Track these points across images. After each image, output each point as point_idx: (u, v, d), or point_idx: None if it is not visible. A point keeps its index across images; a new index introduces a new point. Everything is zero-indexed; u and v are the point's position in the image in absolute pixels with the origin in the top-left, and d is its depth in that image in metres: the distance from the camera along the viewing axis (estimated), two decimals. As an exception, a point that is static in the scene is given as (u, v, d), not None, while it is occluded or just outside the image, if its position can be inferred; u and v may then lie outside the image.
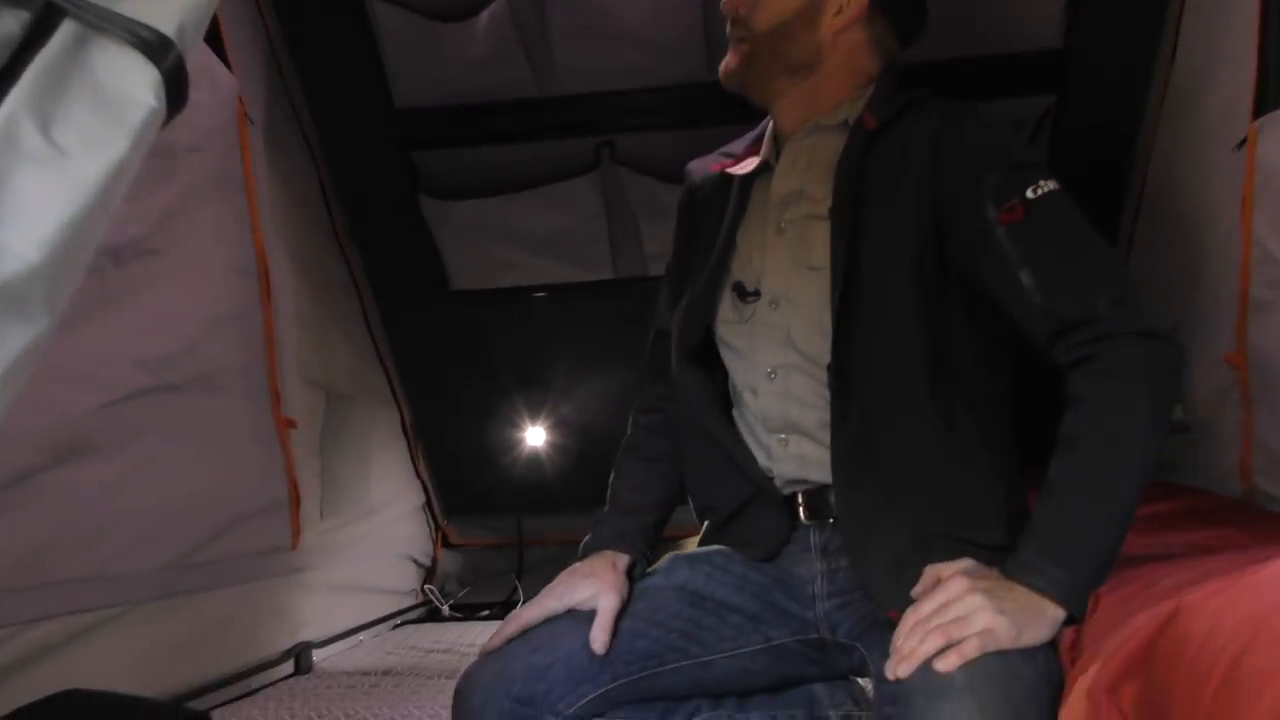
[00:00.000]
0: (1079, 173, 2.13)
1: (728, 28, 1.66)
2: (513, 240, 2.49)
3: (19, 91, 0.73)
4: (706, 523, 1.70)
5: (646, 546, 1.60)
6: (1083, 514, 1.27)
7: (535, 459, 2.99)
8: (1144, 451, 1.27)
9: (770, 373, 1.56)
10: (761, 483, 1.56)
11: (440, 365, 2.79)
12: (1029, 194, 1.38)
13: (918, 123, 1.51)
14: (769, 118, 1.75)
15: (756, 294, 1.58)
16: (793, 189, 1.61)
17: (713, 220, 1.68)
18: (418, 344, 2.72)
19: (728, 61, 1.65)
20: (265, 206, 2.01)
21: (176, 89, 0.81)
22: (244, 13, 2.03)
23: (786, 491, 1.57)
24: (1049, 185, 1.40)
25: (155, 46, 0.79)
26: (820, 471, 1.50)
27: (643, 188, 2.38)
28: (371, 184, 2.44)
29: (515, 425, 2.95)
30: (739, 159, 1.74)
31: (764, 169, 1.66)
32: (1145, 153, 2.18)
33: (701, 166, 1.80)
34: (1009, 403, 1.49)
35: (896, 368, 1.46)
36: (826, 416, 1.47)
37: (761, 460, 1.57)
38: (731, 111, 2.20)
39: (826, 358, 1.46)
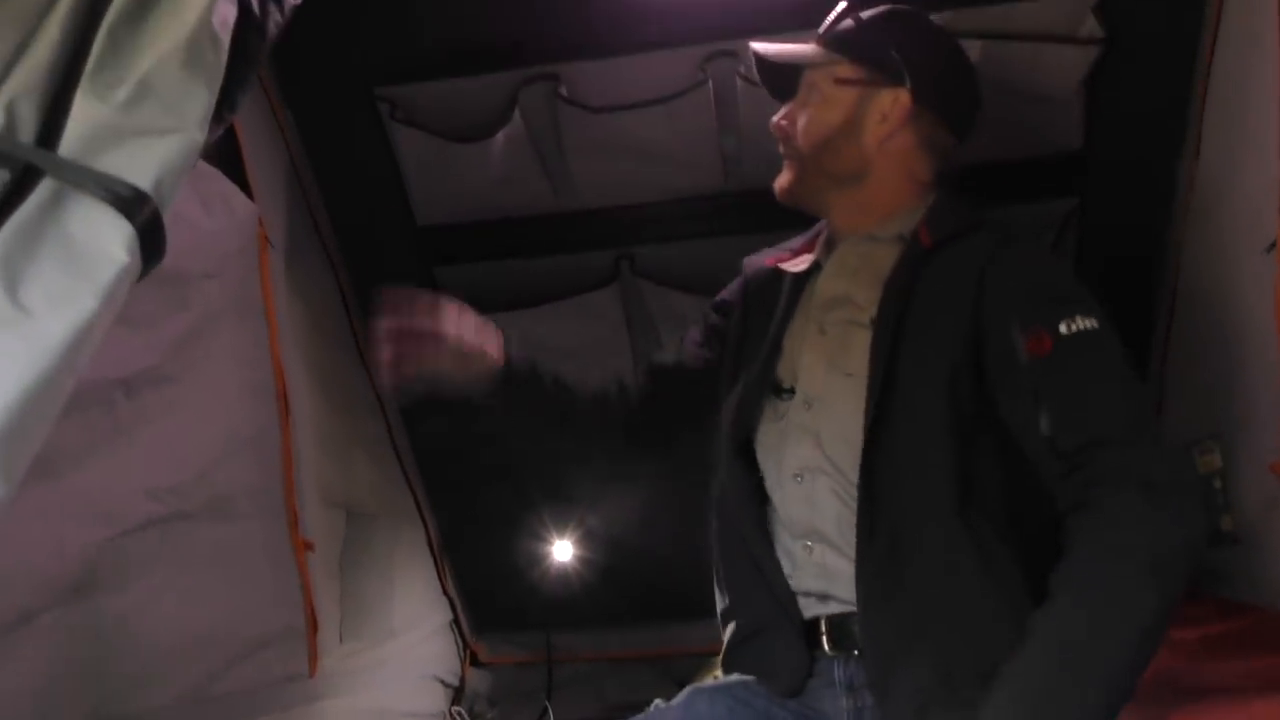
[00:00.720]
0: (1108, 274, 2.10)
1: (779, 146, 1.69)
2: (534, 353, 2.47)
3: (-13, 253, 0.72)
4: (727, 637, 1.64)
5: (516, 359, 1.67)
6: (1054, 674, 1.18)
7: (564, 573, 2.93)
8: (1135, 611, 1.18)
9: (797, 475, 1.55)
10: (785, 600, 1.52)
11: (467, 480, 2.76)
12: (1061, 328, 1.34)
13: (973, 247, 1.52)
14: (821, 221, 1.77)
15: (791, 392, 1.59)
16: (839, 292, 1.62)
17: (765, 316, 1.71)
18: (443, 460, 2.70)
19: (780, 180, 1.69)
20: (285, 327, 2.02)
21: (152, 242, 0.80)
22: (265, 137, 2.08)
23: (809, 614, 1.51)
24: (1086, 323, 1.34)
25: (130, 202, 0.79)
26: (843, 586, 1.47)
27: (663, 299, 2.37)
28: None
29: (543, 539, 2.89)
30: (795, 254, 1.77)
31: (815, 268, 1.69)
32: (1175, 252, 2.13)
33: (757, 261, 1.84)
34: (1044, 529, 1.39)
35: (927, 486, 1.42)
36: (851, 528, 1.45)
37: (786, 569, 1.54)
38: (749, 221, 2.22)
39: (855, 468, 1.45)
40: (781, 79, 1.74)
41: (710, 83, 2.06)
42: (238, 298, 1.84)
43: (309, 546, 2.07)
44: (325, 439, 2.20)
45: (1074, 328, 1.35)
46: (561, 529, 2.89)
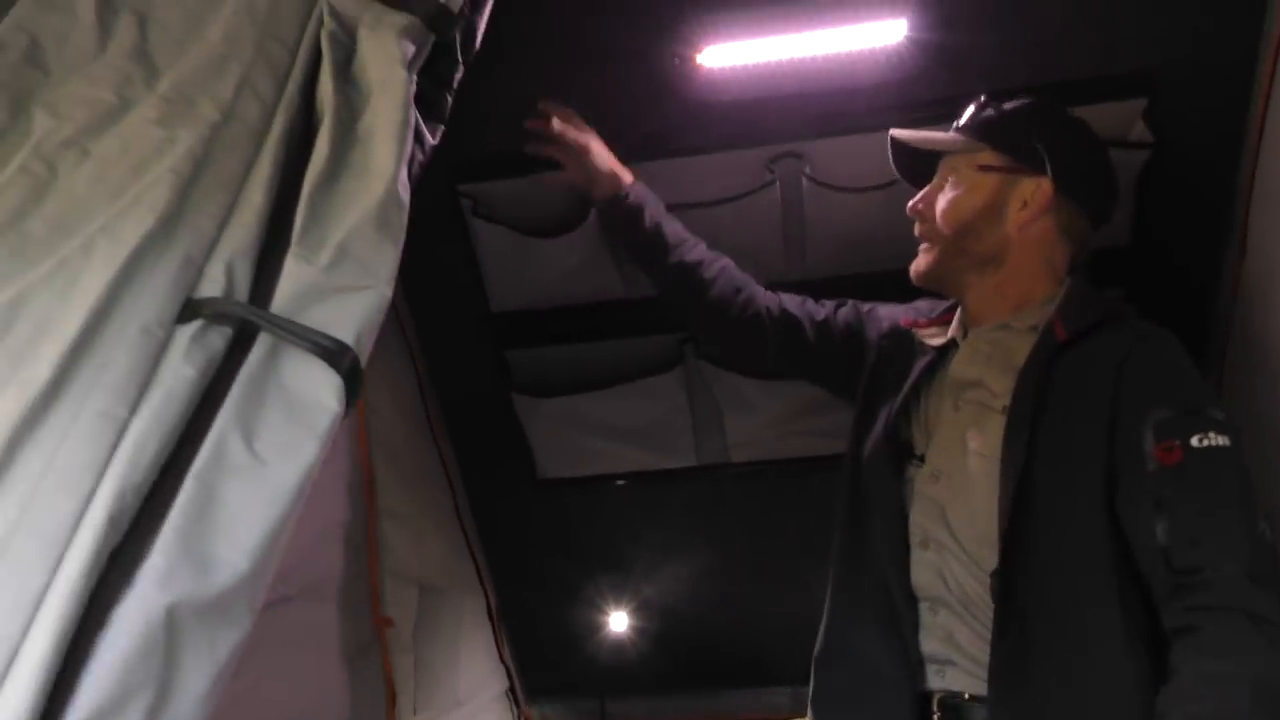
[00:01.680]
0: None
1: (915, 228, 1.76)
2: (599, 432, 2.56)
3: (228, 409, 0.82)
4: (818, 683, 1.67)
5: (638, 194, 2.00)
6: None
7: (618, 642, 2.99)
8: None
9: (923, 544, 1.59)
10: (903, 660, 1.53)
11: (526, 551, 2.84)
12: (1194, 441, 1.35)
13: (1108, 342, 1.55)
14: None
15: (921, 460, 1.65)
16: (972, 378, 1.66)
17: (895, 376, 1.78)
18: (505, 531, 2.78)
19: (918, 262, 1.75)
20: (372, 413, 2.11)
21: (354, 389, 0.90)
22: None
23: (927, 684, 1.52)
24: (1219, 439, 1.36)
25: (336, 354, 0.89)
26: (966, 657, 1.49)
27: (725, 382, 2.45)
28: (466, 381, 2.56)
29: (598, 608, 2.96)
30: (931, 323, 1.82)
31: (951, 344, 1.75)
32: (1221, 352, 2.20)
33: (892, 315, 1.93)
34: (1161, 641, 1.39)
35: (1073, 583, 1.40)
36: (978, 604, 1.48)
37: (906, 631, 1.54)
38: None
39: (983, 548, 1.47)
40: (914, 166, 1.84)
41: (778, 182, 2.17)
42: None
43: (389, 623, 2.15)
44: (401, 518, 2.28)
45: (1206, 443, 1.36)
46: (617, 598, 2.96)
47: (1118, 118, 2.06)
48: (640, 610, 2.95)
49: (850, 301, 2.02)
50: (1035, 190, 1.70)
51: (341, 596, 1.95)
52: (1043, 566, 1.42)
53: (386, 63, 1.05)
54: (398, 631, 2.18)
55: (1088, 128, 1.85)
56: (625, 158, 2.19)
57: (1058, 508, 1.44)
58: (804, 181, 2.16)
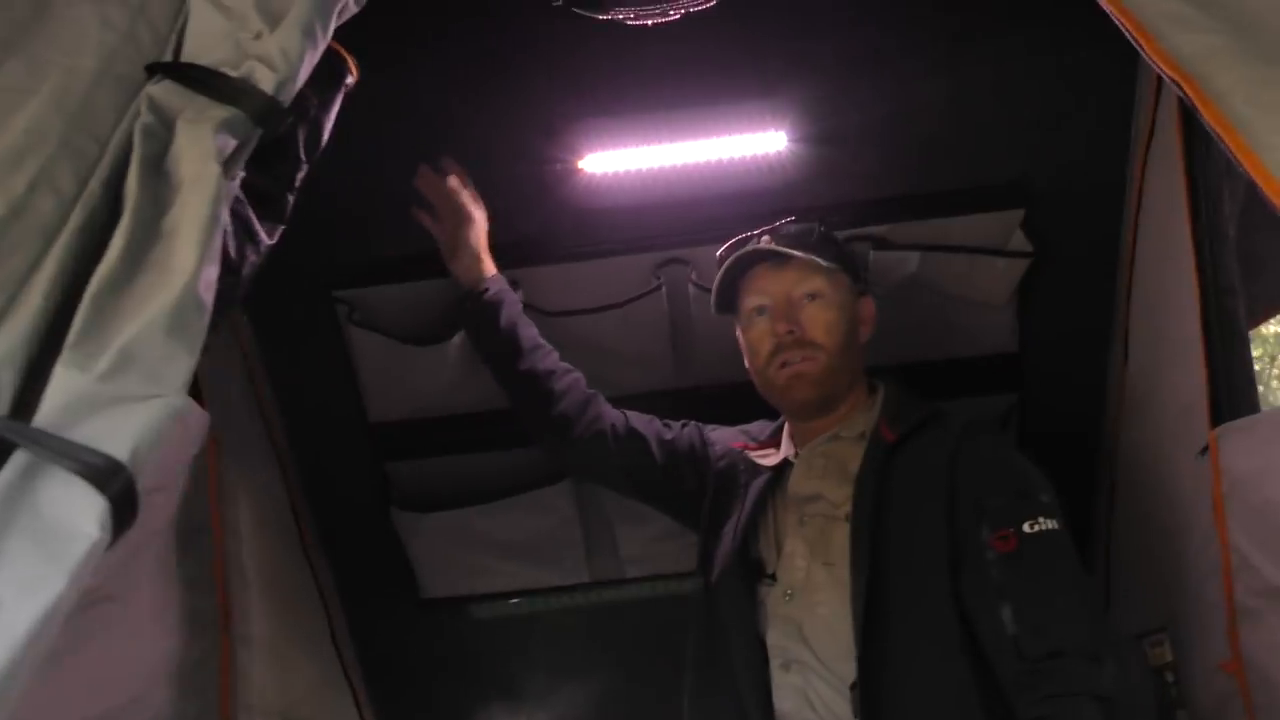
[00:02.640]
0: (1050, 466, 2.16)
1: (782, 356, 1.76)
2: (485, 548, 2.45)
3: (-42, 542, 0.71)
4: None
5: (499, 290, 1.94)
6: None
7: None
8: None
9: (783, 665, 1.58)
10: None
11: (409, 677, 2.66)
12: (1026, 527, 1.43)
13: (937, 440, 1.63)
14: (783, 418, 1.87)
15: (773, 578, 1.66)
16: (811, 492, 1.71)
17: (733, 498, 1.81)
18: (386, 656, 2.61)
19: (804, 384, 1.74)
20: (231, 533, 1.97)
21: (124, 512, 0.79)
22: (220, 340, 2.07)
23: None
24: (1049, 524, 1.44)
25: (104, 473, 0.78)
26: None
27: (616, 494, 2.37)
28: (342, 496, 2.42)
29: (490, 739, 2.78)
30: (761, 446, 1.84)
31: (785, 464, 1.78)
32: (1111, 451, 2.21)
33: (724, 438, 1.96)
34: None
35: (930, 683, 1.44)
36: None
37: None
38: (699, 415, 2.26)
39: (842, 661, 1.49)
40: (728, 294, 1.86)
41: (664, 288, 2.13)
42: (185, 511, 1.79)
43: (242, 766, 1.96)
44: (265, 644, 2.11)
45: (1037, 528, 1.45)
46: (510, 727, 2.79)
47: (997, 227, 2.10)
48: (536, 741, 2.79)
49: (693, 423, 2.02)
50: (866, 308, 1.85)
51: (185, 736, 1.77)
52: (901, 671, 1.49)
53: (200, 158, 0.97)
54: (253, 774, 1.99)
55: None
56: (511, 263, 2.15)
57: (909, 607, 1.51)
58: (690, 288, 2.13)
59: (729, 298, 1.86)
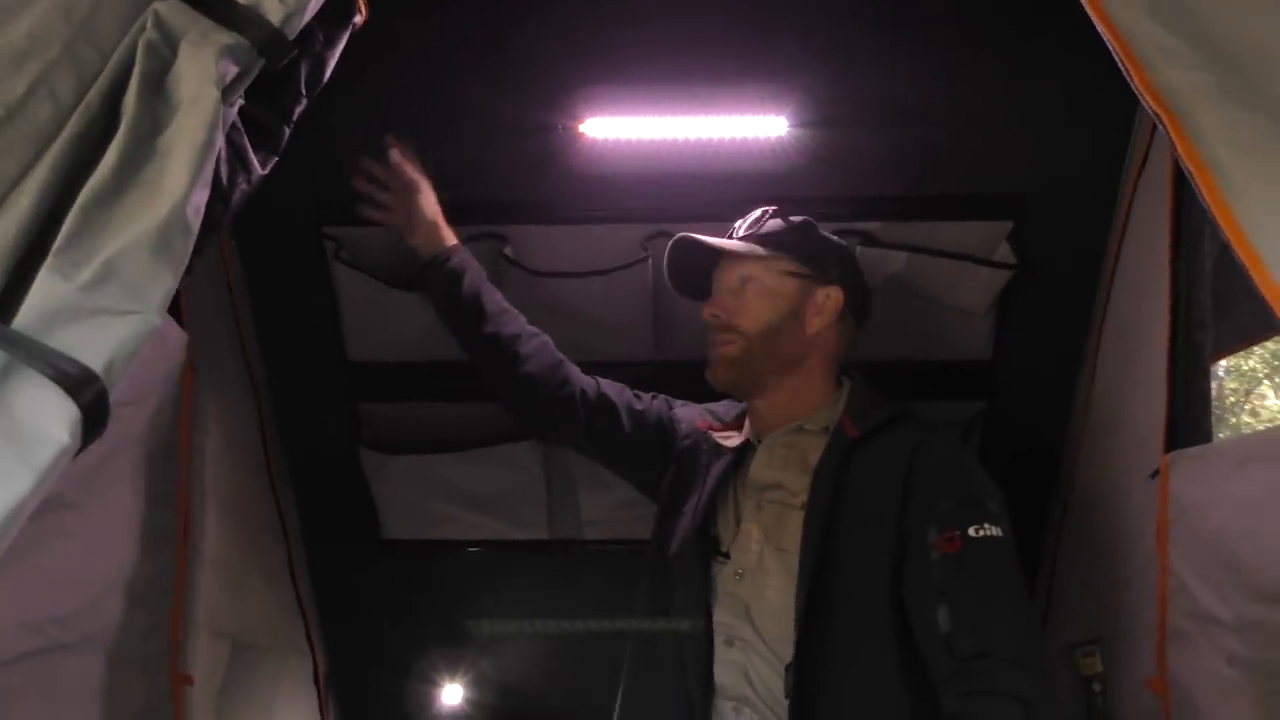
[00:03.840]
0: (1008, 476, 2.20)
1: (708, 338, 1.79)
2: (449, 496, 2.48)
3: (-72, 427, 0.73)
4: None
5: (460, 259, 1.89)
6: None
7: (452, 717, 2.86)
8: None
9: (727, 640, 1.63)
10: None
11: (363, 615, 2.70)
12: (971, 531, 1.48)
13: (899, 440, 1.67)
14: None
15: (726, 556, 1.71)
16: (771, 480, 1.75)
17: (695, 476, 1.84)
18: (342, 593, 2.64)
19: (719, 366, 1.78)
20: (198, 455, 1.99)
21: (95, 422, 0.81)
22: (204, 263, 2.08)
23: None
24: (993, 530, 1.49)
25: (78, 382, 0.80)
26: None
27: (583, 456, 2.40)
28: (314, 431, 2.45)
29: (433, 682, 2.82)
30: (725, 427, 1.87)
31: (747, 447, 1.81)
32: (1070, 466, 2.26)
33: (689, 416, 1.99)
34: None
35: (863, 670, 1.49)
36: (779, 699, 1.54)
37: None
38: (676, 389, 2.28)
39: (785, 642, 1.53)
40: (689, 277, 1.88)
41: (650, 260, 2.15)
42: (154, 427, 1.81)
43: (188, 680, 1.99)
44: (223, 566, 2.13)
45: (982, 532, 1.49)
46: (454, 672, 2.83)
47: (984, 237, 2.12)
48: (477, 684, 2.84)
49: (662, 397, 2.04)
50: (827, 298, 1.82)
51: (132, 649, 1.79)
52: (835, 658, 1.54)
53: (200, 80, 0.98)
54: (198, 690, 2.01)
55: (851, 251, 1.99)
56: (502, 219, 2.16)
57: (852, 598, 1.56)
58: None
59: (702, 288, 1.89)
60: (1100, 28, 1.07)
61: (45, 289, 0.83)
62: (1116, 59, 1.05)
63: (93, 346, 0.82)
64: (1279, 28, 1.00)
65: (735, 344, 1.76)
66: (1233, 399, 8.51)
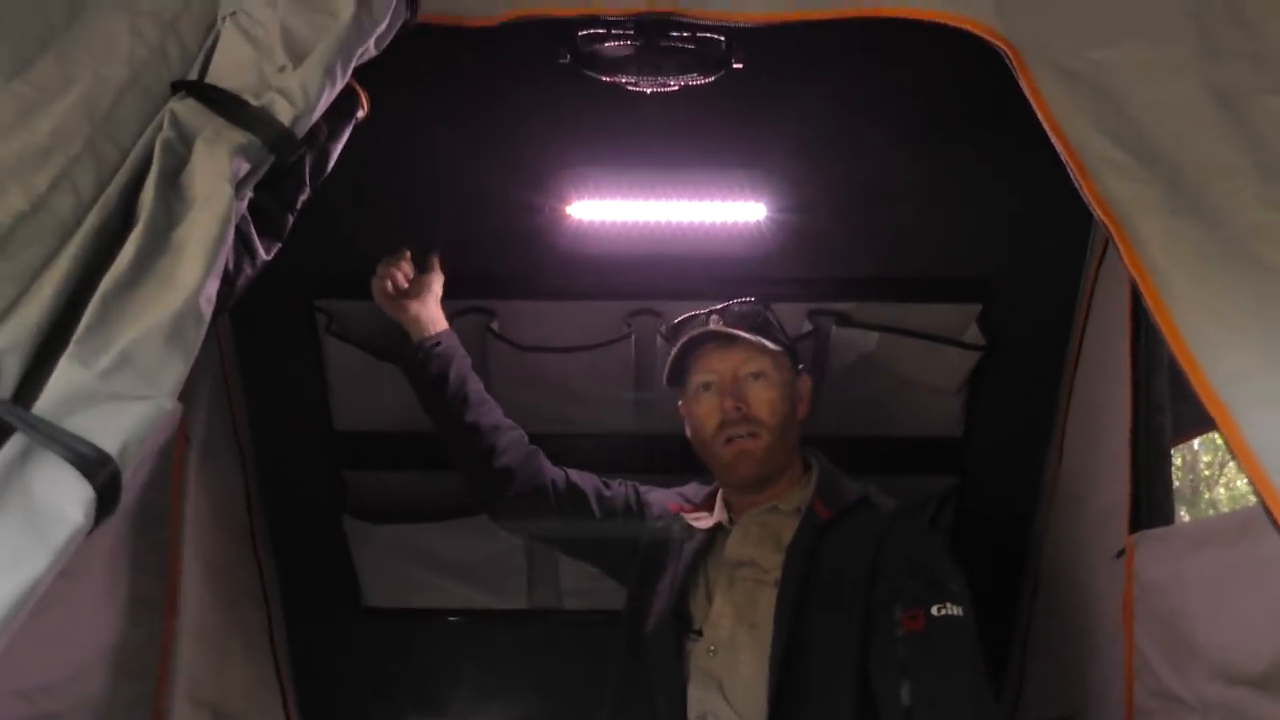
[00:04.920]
0: (981, 550, 2.26)
1: (728, 431, 1.85)
2: (431, 564, 2.50)
3: (-47, 512, 0.77)
4: None
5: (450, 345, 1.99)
6: None
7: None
8: None
9: (700, 716, 1.70)
10: None
11: (341, 682, 2.69)
12: (934, 610, 1.54)
13: (866, 522, 1.74)
14: (717, 483, 1.95)
15: (699, 634, 1.76)
16: (745, 558, 1.81)
17: (666, 557, 1.90)
18: (320, 660, 2.64)
19: (745, 457, 1.84)
20: (187, 526, 2.02)
21: (107, 502, 0.86)
22: (200, 335, 2.13)
23: None
24: (955, 610, 1.55)
25: (93, 463, 0.85)
26: None
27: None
28: (298, 498, 2.47)
29: (413, 755, 2.81)
30: (696, 508, 1.92)
31: (719, 528, 1.88)
32: (1039, 541, 2.31)
33: (659, 500, 2.04)
34: None
35: None
36: None
37: None
38: (654, 461, 2.33)
39: (758, 716, 1.54)
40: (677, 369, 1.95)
41: (634, 336, 2.22)
42: (145, 497, 1.84)
43: (170, 751, 2.00)
44: (205, 635, 2.14)
45: (944, 612, 1.56)
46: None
47: (954, 319, 2.20)
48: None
49: (630, 483, 2.10)
50: (805, 387, 1.96)
51: (117, 718, 1.80)
52: None
53: (215, 178, 1.05)
54: (179, 761, 2.02)
55: None
56: (490, 295, 2.23)
57: (821, 672, 1.61)
58: (659, 340, 2.21)
59: (676, 372, 1.95)
60: (1054, 139, 1.15)
61: (65, 376, 0.88)
62: (1068, 169, 1.13)
63: (108, 430, 0.87)
64: (1216, 146, 1.09)
65: (762, 438, 1.84)
66: (1208, 472, 8.60)
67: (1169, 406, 1.86)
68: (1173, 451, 1.94)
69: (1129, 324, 1.89)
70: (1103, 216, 1.05)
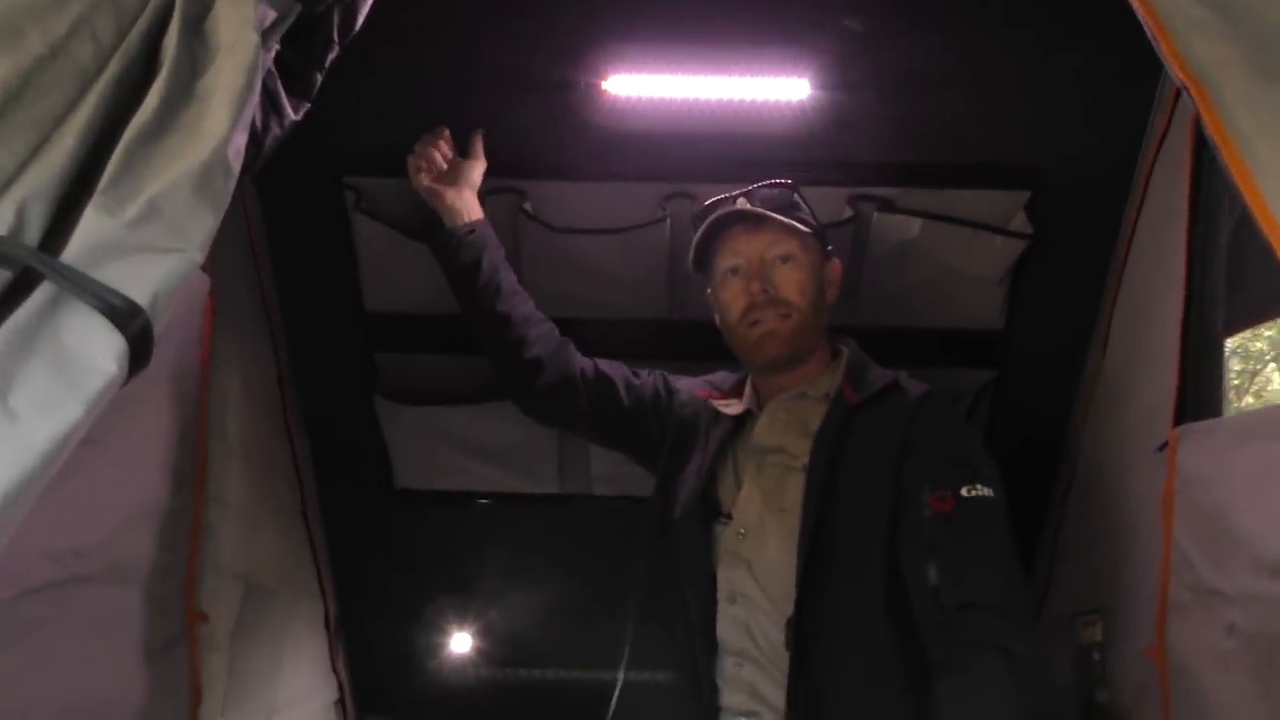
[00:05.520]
0: (1015, 446, 2.23)
1: (754, 314, 1.82)
2: (461, 448, 2.51)
3: (-18, 354, 0.75)
4: None
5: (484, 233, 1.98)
6: None
7: (459, 665, 2.91)
8: None
9: (729, 597, 1.68)
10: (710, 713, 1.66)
11: (374, 562, 2.75)
12: (963, 491, 1.53)
13: (895, 406, 1.73)
14: (746, 371, 1.94)
15: (728, 518, 1.77)
16: (773, 444, 1.81)
17: (694, 441, 1.90)
18: (354, 539, 2.68)
19: (775, 340, 1.81)
20: (217, 398, 2.02)
21: (140, 354, 0.84)
22: (228, 211, 2.10)
23: None
24: (984, 490, 1.53)
25: (124, 314, 0.83)
26: (769, 709, 1.62)
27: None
28: (330, 379, 2.47)
29: (442, 630, 2.87)
30: (724, 395, 1.93)
31: (748, 414, 1.87)
32: (1076, 437, 2.28)
33: (688, 387, 2.03)
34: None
35: (860, 624, 1.55)
36: (779, 653, 1.60)
37: (705, 684, 1.69)
38: (687, 348, 2.31)
39: (785, 598, 1.55)
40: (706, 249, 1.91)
41: (669, 220, 2.16)
42: (176, 366, 1.84)
43: (203, 618, 2.04)
44: (238, 508, 2.17)
45: (973, 492, 1.56)
46: (463, 621, 2.88)
47: (1000, 206, 2.13)
48: (485, 634, 2.88)
49: (659, 372, 2.09)
50: (834, 271, 1.93)
51: (150, 584, 1.83)
52: (833, 612, 1.60)
53: (239, 24, 1.00)
54: (212, 628, 2.06)
55: None
56: (522, 175, 2.17)
57: (849, 555, 1.60)
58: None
59: (703, 257, 1.91)
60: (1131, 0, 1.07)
61: (92, 225, 0.85)
62: (1146, 29, 1.06)
63: (138, 282, 0.85)
64: (1309, 3, 1.01)
65: (792, 318, 1.81)
66: (1238, 380, 8.49)
67: (1223, 299, 1.79)
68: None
69: (1187, 212, 1.82)
70: (1183, 79, 0.98)
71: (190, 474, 1.92)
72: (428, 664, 2.89)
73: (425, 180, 1.98)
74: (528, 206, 2.17)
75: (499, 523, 2.70)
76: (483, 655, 2.90)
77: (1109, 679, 2.06)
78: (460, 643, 2.89)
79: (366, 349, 2.41)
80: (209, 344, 1.96)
